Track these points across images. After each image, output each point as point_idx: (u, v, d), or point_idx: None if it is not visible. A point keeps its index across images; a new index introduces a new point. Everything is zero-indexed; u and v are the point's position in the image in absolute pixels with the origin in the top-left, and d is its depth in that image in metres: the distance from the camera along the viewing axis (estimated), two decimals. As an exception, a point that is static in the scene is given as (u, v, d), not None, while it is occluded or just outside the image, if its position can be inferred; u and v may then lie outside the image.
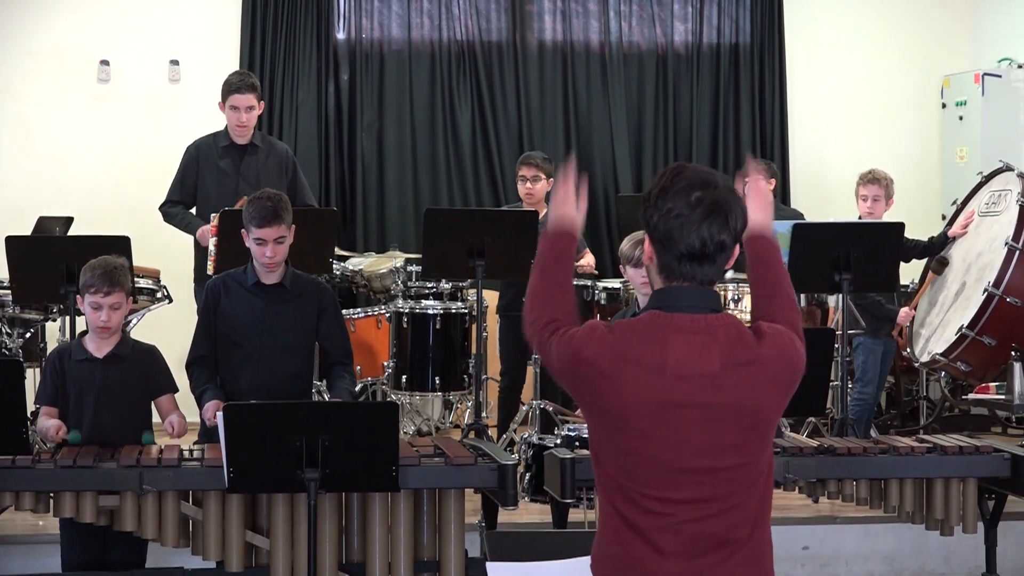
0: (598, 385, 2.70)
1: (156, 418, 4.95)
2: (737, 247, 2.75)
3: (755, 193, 2.98)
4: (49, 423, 4.71)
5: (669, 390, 2.66)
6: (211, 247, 6.41)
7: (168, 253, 7.45)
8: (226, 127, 6.99)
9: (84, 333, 4.91)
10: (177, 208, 7.03)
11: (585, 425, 5.04)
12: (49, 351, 7.04)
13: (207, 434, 5.19)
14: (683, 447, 2.66)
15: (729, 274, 7.85)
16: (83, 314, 4.93)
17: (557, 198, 3.01)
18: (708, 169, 2.77)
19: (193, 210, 7.06)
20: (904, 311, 7.25)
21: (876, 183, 7.21)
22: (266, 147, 7.05)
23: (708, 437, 2.66)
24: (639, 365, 2.67)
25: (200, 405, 5.09)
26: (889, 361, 7.44)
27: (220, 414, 4.22)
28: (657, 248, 2.74)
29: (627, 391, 2.67)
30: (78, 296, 4.87)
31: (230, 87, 6.88)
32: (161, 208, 7.05)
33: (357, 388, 7.65)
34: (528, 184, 7.33)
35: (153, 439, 4.73)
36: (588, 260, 7.55)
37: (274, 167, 6.99)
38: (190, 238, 6.99)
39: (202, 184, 6.97)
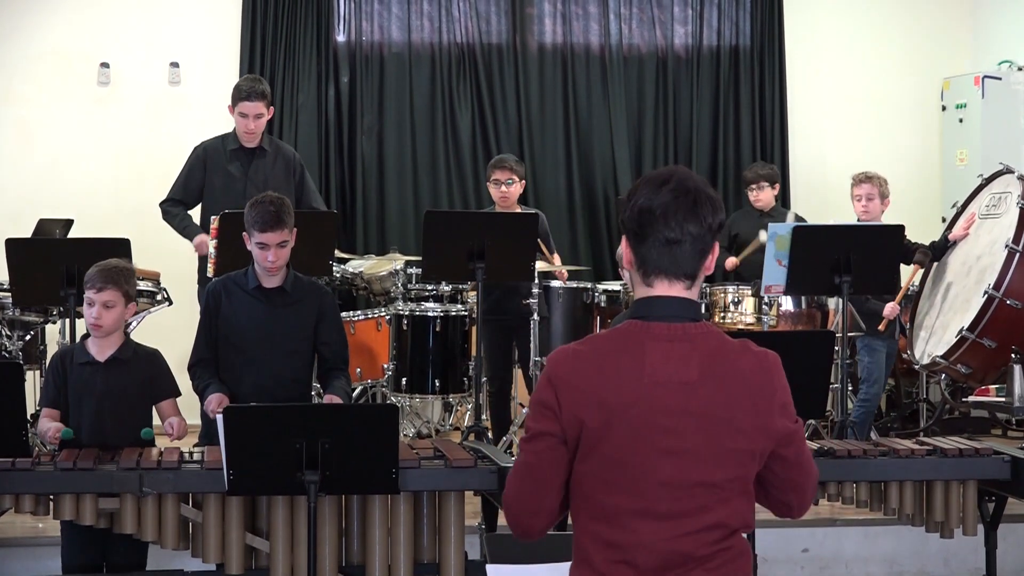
0: (577, 401, 2.67)
1: (157, 421, 4.95)
2: (716, 244, 2.75)
3: None
4: (48, 425, 4.71)
5: (647, 397, 2.65)
6: (211, 249, 6.40)
7: (168, 255, 7.45)
8: (234, 130, 6.97)
9: (87, 336, 4.91)
10: (178, 209, 7.01)
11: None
12: (49, 353, 7.07)
13: (207, 436, 5.19)
14: (661, 456, 2.64)
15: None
16: (83, 316, 4.94)
17: None
18: (682, 167, 2.79)
19: (197, 210, 7.05)
20: (890, 305, 7.19)
21: (868, 182, 7.23)
22: (274, 150, 7.05)
23: (685, 446, 2.64)
24: (616, 373, 2.66)
25: (203, 400, 5.09)
26: (892, 362, 7.44)
27: (220, 417, 4.22)
28: (632, 243, 2.74)
29: (606, 400, 2.65)
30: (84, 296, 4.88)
31: (240, 93, 6.83)
32: (161, 205, 7.04)
33: (357, 390, 7.68)
34: (503, 187, 7.32)
35: (152, 434, 4.73)
36: (557, 265, 7.53)
37: (282, 170, 6.99)
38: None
39: (209, 186, 6.96)
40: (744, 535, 2.74)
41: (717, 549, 2.67)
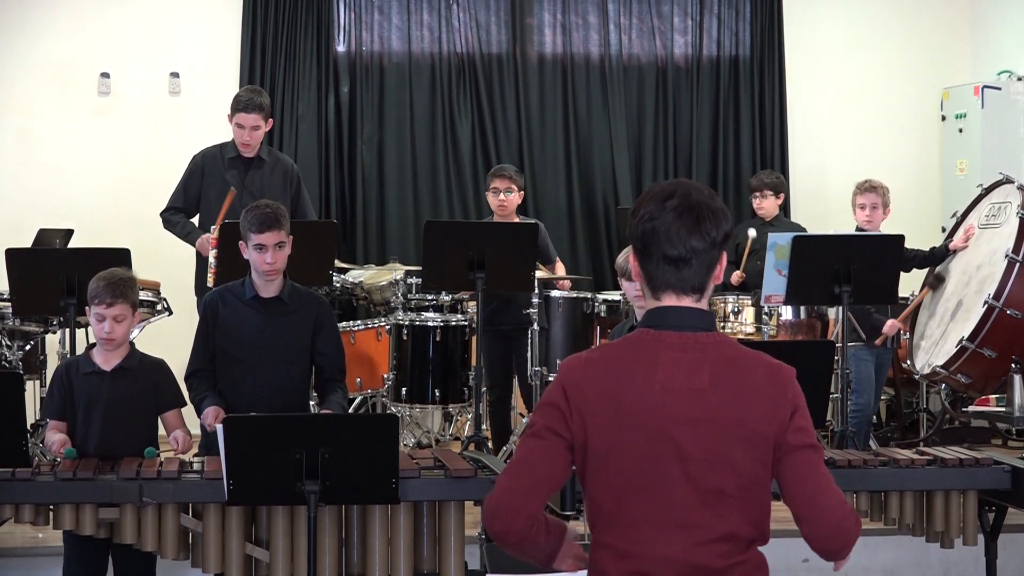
0: (587, 410, 2.68)
1: (161, 431, 4.95)
2: (724, 256, 2.76)
3: None
4: (54, 438, 4.70)
5: (658, 404, 2.66)
6: (211, 259, 6.40)
7: (168, 265, 7.45)
8: (233, 138, 6.98)
9: (92, 346, 4.91)
10: (178, 216, 7.01)
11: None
12: (50, 363, 7.07)
13: (207, 447, 5.19)
14: (672, 462, 2.65)
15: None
16: (83, 326, 4.94)
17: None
18: (686, 180, 2.79)
19: (195, 220, 7.05)
20: (890, 323, 7.19)
21: (873, 191, 7.23)
22: (272, 160, 7.05)
23: (696, 452, 2.65)
24: (628, 381, 2.67)
25: (199, 412, 5.09)
26: (884, 372, 7.43)
27: (219, 427, 4.22)
28: (639, 258, 2.75)
29: (617, 407, 2.66)
30: (86, 307, 4.87)
31: (238, 104, 6.84)
32: (162, 214, 7.04)
33: (357, 400, 7.67)
34: (501, 196, 7.32)
35: (155, 453, 4.71)
36: (562, 274, 7.58)
37: (279, 181, 6.99)
38: (190, 250, 6.98)
39: (206, 194, 6.96)
40: (760, 548, 2.74)
41: (732, 562, 2.66)
